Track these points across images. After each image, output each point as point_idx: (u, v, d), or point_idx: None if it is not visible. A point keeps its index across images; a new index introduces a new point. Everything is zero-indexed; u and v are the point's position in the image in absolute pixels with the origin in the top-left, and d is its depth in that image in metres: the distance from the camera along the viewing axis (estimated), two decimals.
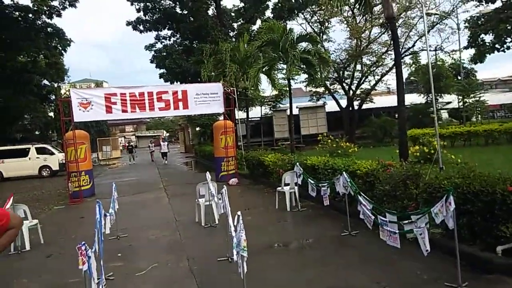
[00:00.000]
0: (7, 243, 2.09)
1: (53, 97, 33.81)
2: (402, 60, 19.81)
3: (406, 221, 4.67)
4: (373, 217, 5.24)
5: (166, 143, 28.96)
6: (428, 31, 23.42)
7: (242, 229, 3.51)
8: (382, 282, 4.34)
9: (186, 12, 26.88)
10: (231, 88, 14.79)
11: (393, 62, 24.39)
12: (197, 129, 31.84)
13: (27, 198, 13.08)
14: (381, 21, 22.60)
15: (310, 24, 25.48)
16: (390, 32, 23.44)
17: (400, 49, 19.10)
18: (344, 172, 6.11)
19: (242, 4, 26.92)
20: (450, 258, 4.71)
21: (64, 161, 21.03)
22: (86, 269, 3.20)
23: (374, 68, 25.36)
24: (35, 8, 24.78)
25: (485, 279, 4.18)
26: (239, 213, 3.70)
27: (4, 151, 22.15)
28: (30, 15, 25.67)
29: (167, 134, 70.49)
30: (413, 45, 24.70)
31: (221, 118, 21.91)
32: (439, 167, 7.01)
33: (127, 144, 33.17)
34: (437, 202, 4.30)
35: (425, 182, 5.54)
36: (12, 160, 21.62)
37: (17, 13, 25.04)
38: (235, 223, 3.73)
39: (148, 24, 27.52)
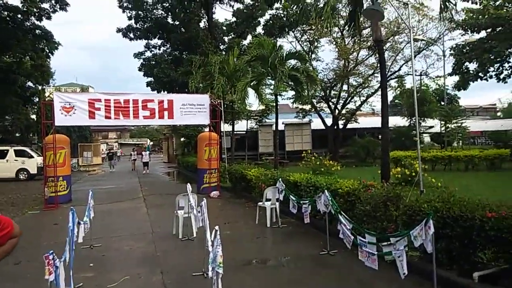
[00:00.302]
0: (9, 251, 2.04)
1: (37, 99, 33.22)
2: (387, 83, 20.17)
3: (385, 243, 4.66)
4: (352, 237, 5.21)
5: (147, 152, 29.25)
6: (415, 56, 24.01)
7: (219, 244, 3.42)
8: None
9: (177, 23, 26.94)
10: (218, 101, 14.76)
11: (379, 85, 24.94)
12: (182, 139, 31.64)
13: (1, 201, 12.66)
14: (369, 43, 23.07)
15: (300, 42, 25.87)
16: (377, 55, 24.05)
17: (386, 72, 19.50)
18: (326, 190, 6.08)
19: (234, 19, 27.13)
20: (427, 282, 4.71)
21: (42, 165, 20.59)
22: (53, 280, 3.06)
23: (360, 89, 25.77)
24: (24, 9, 24.47)
25: None
26: (217, 227, 3.61)
27: None
28: (19, 16, 25.31)
29: (151, 143, 69.79)
30: (399, 69, 25.29)
31: (207, 129, 21.85)
32: (419, 190, 7.06)
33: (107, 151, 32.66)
34: (417, 225, 4.31)
35: (405, 204, 5.56)
36: None
37: (5, 13, 24.66)
38: (212, 238, 3.64)
39: (138, 32, 27.45)
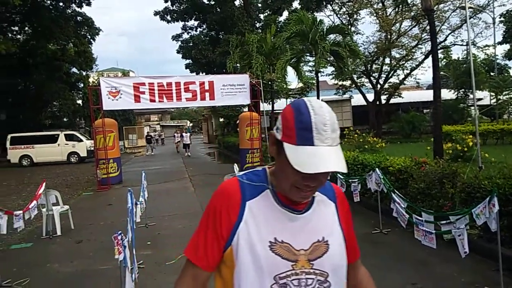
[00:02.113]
0: None
1: (81, 85, 34.57)
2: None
3: (444, 222, 4.52)
4: (407, 216, 5.09)
5: (188, 134, 27.55)
6: (461, 26, 22.63)
7: None
8: (418, 283, 4.21)
9: (213, 2, 26.87)
10: (257, 80, 14.70)
11: (423, 57, 23.85)
12: (221, 120, 31.94)
13: (56, 184, 13.41)
14: (412, 13, 21.94)
15: (339, 15, 24.98)
16: (420, 25, 22.86)
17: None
18: (377, 168, 5.94)
19: None
20: (487, 261, 4.56)
21: (91, 148, 21.57)
22: (122, 259, 3.21)
23: (403, 62, 24.68)
24: None
25: None
26: None
27: (34, 137, 22.83)
28: (61, 4, 26.18)
29: (190, 124, 71.11)
30: (445, 39, 23.90)
31: (246, 109, 21.92)
32: (478, 166, 6.74)
33: (152, 135, 32.14)
34: (477, 203, 4.13)
35: (463, 181, 5.34)
36: (42, 146, 22.23)
37: (48, 1, 25.59)
38: None
39: (175, 14, 27.66)
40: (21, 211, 5.82)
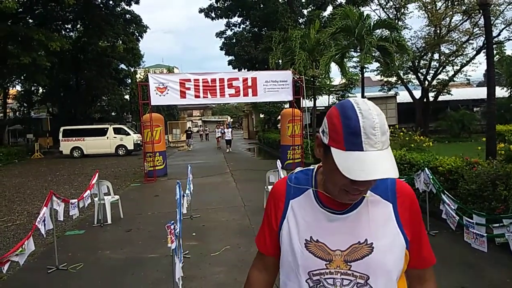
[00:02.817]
0: None
1: (129, 81, 35.97)
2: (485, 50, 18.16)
3: (497, 225, 4.34)
4: (457, 217, 4.93)
5: (230, 129, 26.64)
6: None
7: None
8: (468, 287, 4.07)
9: None
10: (300, 76, 14.61)
11: (474, 52, 22.70)
12: (261, 116, 32.03)
13: (106, 175, 14.06)
14: (463, 7, 20.89)
15: (385, 10, 24.24)
16: (472, 20, 21.72)
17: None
18: (426, 168, 5.77)
19: None
20: None
21: (138, 142, 22.42)
22: (174, 248, 3.35)
23: (453, 58, 23.57)
24: None
25: None
26: None
27: (85, 130, 24.15)
28: (111, 2, 27.31)
29: (231, 120, 71.90)
30: (499, 34, 22.54)
31: (287, 106, 21.85)
32: None
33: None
34: None
35: None
36: (92, 139, 23.39)
37: (99, 0, 26.79)
38: None
39: (219, 11, 27.98)
40: (76, 200, 6.19)
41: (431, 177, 5.51)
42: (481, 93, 24.30)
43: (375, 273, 1.12)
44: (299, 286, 1.18)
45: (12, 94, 36.32)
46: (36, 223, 4.49)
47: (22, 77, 28.18)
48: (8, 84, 29.76)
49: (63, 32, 29.18)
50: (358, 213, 1.16)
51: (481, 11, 10.39)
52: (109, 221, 7.29)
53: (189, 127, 35.16)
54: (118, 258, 5.48)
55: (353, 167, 0.99)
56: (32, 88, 34.04)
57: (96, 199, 7.27)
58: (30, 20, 24.65)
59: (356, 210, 1.16)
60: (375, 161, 0.99)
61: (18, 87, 35.49)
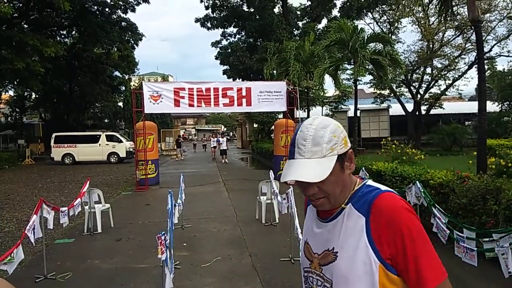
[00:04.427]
0: None
1: (123, 88, 35.92)
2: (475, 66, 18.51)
3: (487, 239, 4.37)
4: (448, 231, 4.95)
5: (225, 139, 25.91)
6: (508, 36, 21.75)
7: None
8: None
9: (252, 9, 27.16)
10: (294, 87, 14.71)
11: (466, 67, 23.08)
12: (255, 125, 32.12)
13: (97, 182, 13.93)
14: (456, 23, 21.29)
15: (379, 24, 24.63)
16: (464, 35, 22.14)
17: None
18: (417, 182, 5.81)
19: (309, 2, 26.65)
20: None
21: (130, 149, 22.28)
22: (164, 259, 3.33)
23: (445, 72, 23.95)
24: (112, 3, 26.44)
25: None
26: None
27: (77, 137, 23.91)
28: (107, 9, 27.39)
29: (225, 129, 71.93)
30: (490, 50, 23.01)
31: (281, 116, 21.93)
32: None
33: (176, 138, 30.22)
34: None
35: (508, 198, 5.13)
36: (84, 145, 23.16)
37: (95, 7, 26.85)
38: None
39: (215, 21, 28.18)
40: (66, 208, 6.11)
41: (422, 190, 5.55)
42: (473, 107, 24.56)
43: (337, 280, 1.19)
44: (303, 277, 1.37)
45: (4, 99, 36.06)
46: (26, 231, 4.43)
47: (15, 82, 27.98)
48: (1, 89, 29.57)
49: (58, 38, 29.13)
50: (335, 223, 1.25)
51: (473, 27, 10.58)
52: (99, 230, 7.21)
53: (179, 136, 34.36)
54: (107, 267, 5.40)
55: (283, 171, 1.18)
56: (25, 93, 33.84)
57: (86, 207, 7.19)
58: (25, 26, 24.59)
59: (336, 220, 1.25)
60: (296, 166, 1.15)
61: (11, 92, 35.27)
